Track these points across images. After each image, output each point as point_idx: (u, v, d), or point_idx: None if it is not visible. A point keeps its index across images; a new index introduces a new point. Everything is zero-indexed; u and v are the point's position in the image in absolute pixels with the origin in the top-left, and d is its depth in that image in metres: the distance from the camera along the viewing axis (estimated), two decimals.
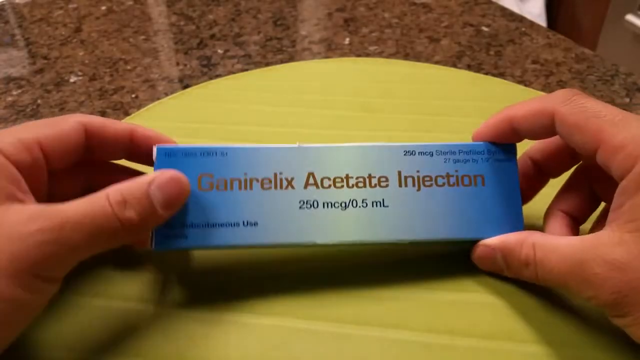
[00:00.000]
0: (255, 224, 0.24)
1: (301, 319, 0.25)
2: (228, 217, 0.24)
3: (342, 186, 0.25)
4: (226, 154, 0.25)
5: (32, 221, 0.20)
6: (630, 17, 1.16)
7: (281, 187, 0.25)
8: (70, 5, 0.58)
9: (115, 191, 0.22)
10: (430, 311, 0.25)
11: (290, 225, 0.24)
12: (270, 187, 0.25)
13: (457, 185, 0.26)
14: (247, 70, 0.46)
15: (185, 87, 0.45)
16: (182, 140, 0.28)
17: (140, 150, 0.26)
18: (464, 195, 0.26)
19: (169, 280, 0.27)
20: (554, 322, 0.25)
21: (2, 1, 0.58)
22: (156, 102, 0.41)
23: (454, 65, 0.47)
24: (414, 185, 0.26)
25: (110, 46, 0.50)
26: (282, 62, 0.48)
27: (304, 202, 0.25)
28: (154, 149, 0.25)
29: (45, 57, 0.49)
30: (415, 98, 0.40)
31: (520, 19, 0.55)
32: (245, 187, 0.25)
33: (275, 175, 0.25)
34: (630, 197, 0.21)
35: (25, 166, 0.22)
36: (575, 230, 0.26)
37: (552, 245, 0.23)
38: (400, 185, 0.26)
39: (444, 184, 0.26)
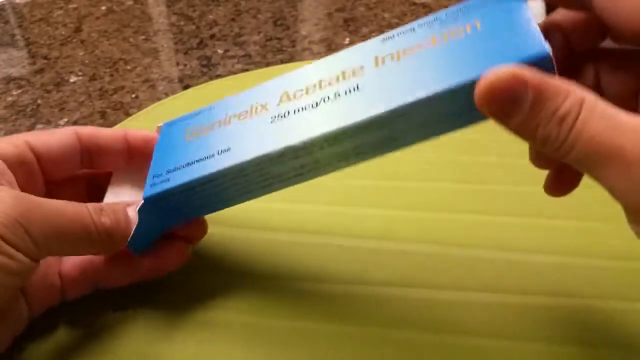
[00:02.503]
0: (228, 149, 0.23)
1: (302, 319, 0.25)
2: (205, 153, 0.24)
3: (315, 91, 0.23)
4: (212, 108, 0.26)
5: (8, 195, 0.20)
6: None
7: (256, 113, 0.24)
8: (70, 5, 0.58)
9: (94, 204, 0.23)
10: (432, 311, 0.25)
11: (262, 139, 0.23)
12: (246, 117, 0.24)
13: (445, 40, 0.20)
14: (247, 70, 0.46)
15: (185, 87, 0.45)
16: None
17: (137, 151, 0.26)
18: (456, 45, 0.20)
19: (168, 281, 0.27)
20: (557, 321, 0.25)
21: (2, 1, 0.58)
22: (156, 103, 0.41)
23: None
24: (392, 59, 0.21)
25: (110, 46, 0.50)
26: (282, 62, 0.48)
27: (275, 117, 0.23)
28: (161, 127, 0.27)
29: (45, 57, 0.49)
30: None
31: None
32: (224, 125, 0.24)
33: (252, 106, 0.24)
34: None
35: (10, 158, 0.23)
36: (574, 64, 0.21)
37: (607, 111, 0.17)
38: (376, 66, 0.21)
39: (429, 46, 0.20)
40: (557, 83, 0.17)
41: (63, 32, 0.53)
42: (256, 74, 0.44)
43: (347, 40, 0.51)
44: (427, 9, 0.57)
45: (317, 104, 0.22)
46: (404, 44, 0.21)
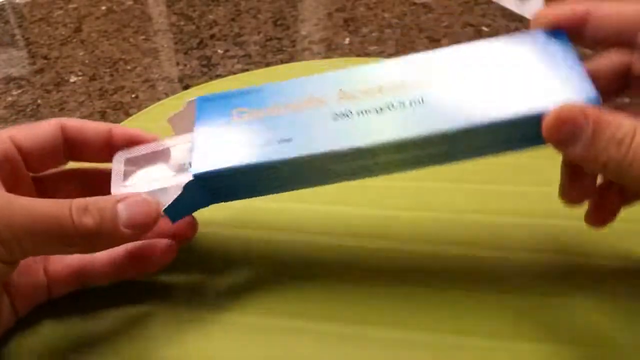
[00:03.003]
0: (289, 139, 0.23)
1: (304, 319, 0.25)
2: (262, 139, 0.24)
3: (376, 95, 0.24)
4: (259, 91, 0.26)
5: None
6: None
7: (313, 106, 0.24)
8: (70, 5, 0.58)
9: (80, 200, 0.22)
10: (435, 311, 0.25)
11: (324, 135, 0.23)
12: (301, 108, 0.24)
13: (507, 67, 0.23)
14: (247, 70, 0.46)
15: (185, 87, 0.45)
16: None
17: (120, 148, 0.26)
18: (519, 74, 0.22)
19: (166, 281, 0.27)
20: (559, 321, 0.25)
21: (2, 1, 0.58)
22: (157, 103, 0.41)
23: None
24: (458, 76, 0.23)
25: (110, 46, 0.50)
26: (282, 62, 0.48)
27: (337, 114, 0.24)
28: (195, 101, 0.26)
29: (45, 57, 0.49)
30: None
31: (520, 19, 0.55)
32: (279, 112, 0.25)
33: (307, 97, 0.25)
34: None
35: None
36: (625, 90, 0.24)
37: None
38: (443, 81, 0.23)
39: (493, 69, 0.23)
40: (612, 115, 0.20)
41: (63, 32, 0.53)
42: (256, 74, 0.44)
43: (347, 40, 0.51)
44: (427, 9, 0.57)
45: (381, 109, 0.23)
46: (469, 60, 0.23)
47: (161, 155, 0.26)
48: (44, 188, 0.26)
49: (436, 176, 0.33)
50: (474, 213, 0.30)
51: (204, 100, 0.26)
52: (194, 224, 0.27)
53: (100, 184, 0.26)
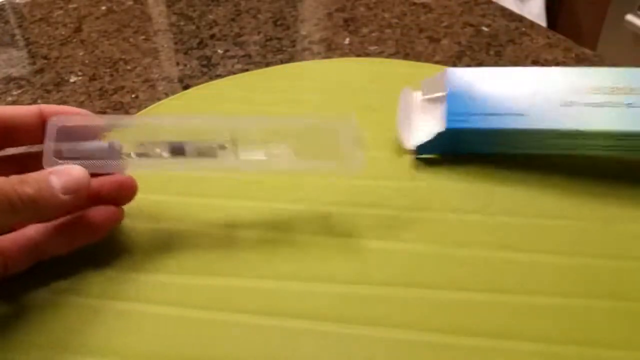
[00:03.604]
0: (522, 114, 0.31)
1: (305, 319, 0.25)
2: (499, 110, 0.32)
3: (598, 94, 0.31)
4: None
5: None
6: (630, 17, 1.16)
7: (542, 94, 0.32)
8: (70, 5, 0.58)
9: (16, 176, 0.24)
10: (435, 310, 0.25)
11: (553, 116, 0.31)
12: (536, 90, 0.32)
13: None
14: (247, 70, 0.46)
15: (185, 87, 0.45)
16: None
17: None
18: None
19: (165, 280, 0.27)
20: (559, 320, 0.25)
21: (2, 1, 0.58)
22: (157, 103, 0.41)
23: (454, 65, 0.47)
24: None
25: (110, 46, 0.50)
26: (282, 62, 0.48)
27: (565, 102, 0.31)
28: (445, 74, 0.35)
29: (45, 57, 0.49)
30: None
31: (520, 19, 0.55)
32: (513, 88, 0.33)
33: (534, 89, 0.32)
34: None
35: None
36: None
37: None
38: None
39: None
40: None
41: (63, 32, 0.53)
42: (256, 74, 0.44)
43: (347, 40, 0.51)
44: (427, 9, 0.57)
45: (602, 104, 0.31)
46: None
47: (92, 130, 0.27)
48: None
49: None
50: (475, 213, 0.30)
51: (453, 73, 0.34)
52: (131, 186, 0.28)
53: (35, 167, 0.27)
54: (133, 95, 0.44)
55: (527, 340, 0.24)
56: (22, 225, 0.26)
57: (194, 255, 0.28)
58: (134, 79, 0.46)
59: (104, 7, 0.57)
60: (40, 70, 0.47)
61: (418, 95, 0.36)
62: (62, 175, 0.25)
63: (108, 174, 0.28)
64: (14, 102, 0.43)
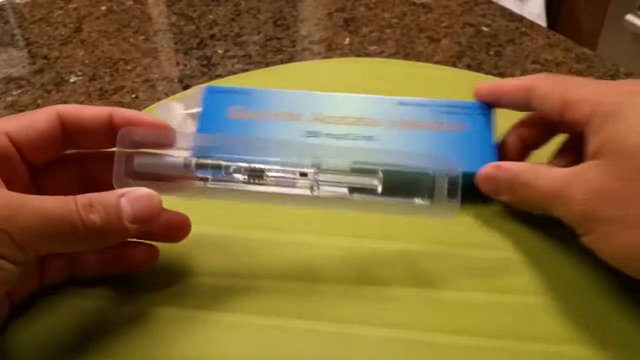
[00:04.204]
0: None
1: (306, 319, 0.25)
2: (244, 133, 0.31)
3: (341, 123, 0.32)
4: (251, 92, 0.33)
5: None
6: (630, 17, 1.16)
7: (291, 119, 0.32)
8: (70, 5, 0.58)
9: (84, 196, 0.22)
10: (435, 310, 0.25)
11: (294, 145, 0.28)
12: (282, 118, 0.32)
13: (440, 129, 0.32)
14: (247, 70, 0.46)
15: (185, 87, 0.45)
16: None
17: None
18: (446, 137, 0.31)
19: (165, 282, 0.27)
20: (558, 320, 0.25)
21: (2, 1, 0.58)
22: (157, 103, 0.41)
23: (454, 65, 0.47)
24: (402, 126, 0.32)
25: (110, 46, 0.50)
26: (282, 62, 0.48)
27: (308, 132, 0.31)
28: (203, 90, 0.33)
29: (45, 57, 0.49)
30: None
31: (520, 19, 0.55)
32: (262, 117, 0.32)
33: (288, 111, 0.32)
34: (596, 134, 0.25)
35: None
36: (526, 153, 0.32)
37: (545, 173, 0.27)
38: (389, 127, 0.32)
39: (428, 127, 0.32)
40: (520, 166, 0.28)
41: (63, 32, 0.53)
42: (256, 74, 0.44)
43: (347, 40, 0.51)
44: (427, 9, 0.57)
45: (342, 137, 0.31)
46: (412, 115, 0.32)
47: (165, 139, 0.25)
48: (39, 176, 0.25)
49: None
50: (474, 215, 0.30)
51: (211, 92, 0.33)
52: (186, 229, 0.26)
53: (97, 168, 0.26)
54: (133, 95, 0.44)
55: (527, 340, 0.24)
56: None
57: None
58: (134, 79, 0.46)
59: (104, 7, 0.57)
60: (40, 70, 0.47)
61: (181, 107, 0.34)
62: (134, 201, 0.23)
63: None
64: (14, 102, 0.43)
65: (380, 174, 0.25)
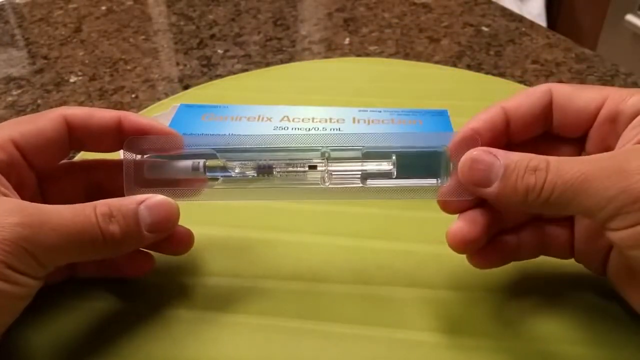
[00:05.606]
0: (238, 136, 0.31)
1: (307, 319, 0.25)
2: (220, 131, 0.33)
3: (308, 121, 0.35)
4: (227, 107, 0.36)
5: (12, 214, 0.20)
6: (630, 17, 1.16)
7: (262, 120, 0.35)
8: (70, 5, 0.58)
9: (104, 204, 0.21)
10: (435, 310, 0.25)
11: (265, 138, 0.25)
12: (253, 121, 0.35)
13: (399, 124, 0.35)
14: (247, 70, 0.46)
15: (185, 87, 0.45)
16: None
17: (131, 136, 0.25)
18: (405, 128, 0.34)
19: (167, 283, 0.27)
20: (558, 320, 0.25)
21: (2, 1, 0.58)
22: (157, 103, 0.41)
23: (454, 65, 0.47)
24: (365, 123, 0.35)
25: (110, 46, 0.50)
26: (282, 62, 0.48)
27: (277, 127, 0.34)
28: (177, 107, 0.36)
29: (45, 57, 0.49)
30: (415, 98, 0.40)
31: (520, 19, 0.55)
32: (235, 120, 0.35)
33: (259, 115, 0.35)
34: None
35: (0, 164, 0.22)
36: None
37: (565, 159, 0.21)
38: (353, 123, 0.35)
39: (387, 123, 0.35)
40: (519, 155, 0.22)
41: (63, 32, 0.53)
42: (256, 74, 0.44)
43: (347, 40, 0.51)
44: (427, 9, 0.57)
45: (309, 129, 0.34)
46: (372, 116, 0.36)
47: (173, 145, 0.25)
48: (46, 182, 0.25)
49: None
50: None
51: (186, 107, 0.36)
52: (188, 244, 0.26)
53: (103, 174, 0.26)
54: (133, 95, 0.44)
55: (527, 340, 0.24)
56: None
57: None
58: (134, 79, 0.46)
59: (104, 7, 0.57)
60: (40, 70, 0.47)
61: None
62: (153, 209, 0.22)
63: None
64: (14, 102, 0.43)
65: (394, 157, 0.25)
